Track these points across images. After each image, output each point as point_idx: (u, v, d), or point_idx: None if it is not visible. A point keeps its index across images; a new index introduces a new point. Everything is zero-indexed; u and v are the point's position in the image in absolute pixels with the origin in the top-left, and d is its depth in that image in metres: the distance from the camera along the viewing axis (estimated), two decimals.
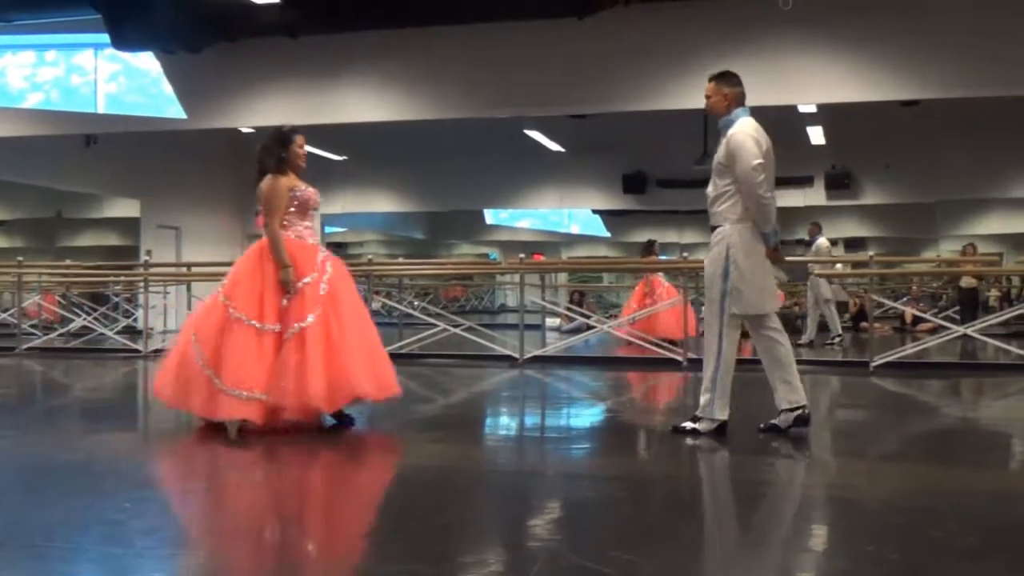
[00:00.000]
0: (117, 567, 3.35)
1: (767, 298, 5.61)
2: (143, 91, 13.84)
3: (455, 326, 11.75)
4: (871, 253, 12.56)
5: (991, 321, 11.63)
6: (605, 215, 25.18)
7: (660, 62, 11.46)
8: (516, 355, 10.47)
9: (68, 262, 16.04)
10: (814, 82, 11.40)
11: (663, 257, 17.42)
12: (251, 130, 15.41)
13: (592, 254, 27.76)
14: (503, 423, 7.32)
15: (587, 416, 7.65)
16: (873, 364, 9.70)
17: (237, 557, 3.50)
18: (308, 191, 6.05)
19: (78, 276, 14.99)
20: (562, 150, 18.70)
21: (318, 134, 14.58)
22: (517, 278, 11.84)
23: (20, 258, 13.72)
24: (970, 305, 15.29)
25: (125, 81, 14.02)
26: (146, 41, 12.34)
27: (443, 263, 22.02)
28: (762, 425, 5.58)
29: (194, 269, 13.84)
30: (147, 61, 13.50)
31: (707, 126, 12.73)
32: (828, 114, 14.68)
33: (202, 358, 5.63)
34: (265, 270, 5.82)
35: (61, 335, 13.64)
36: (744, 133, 5.45)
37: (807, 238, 13.89)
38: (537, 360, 10.50)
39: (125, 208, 18.97)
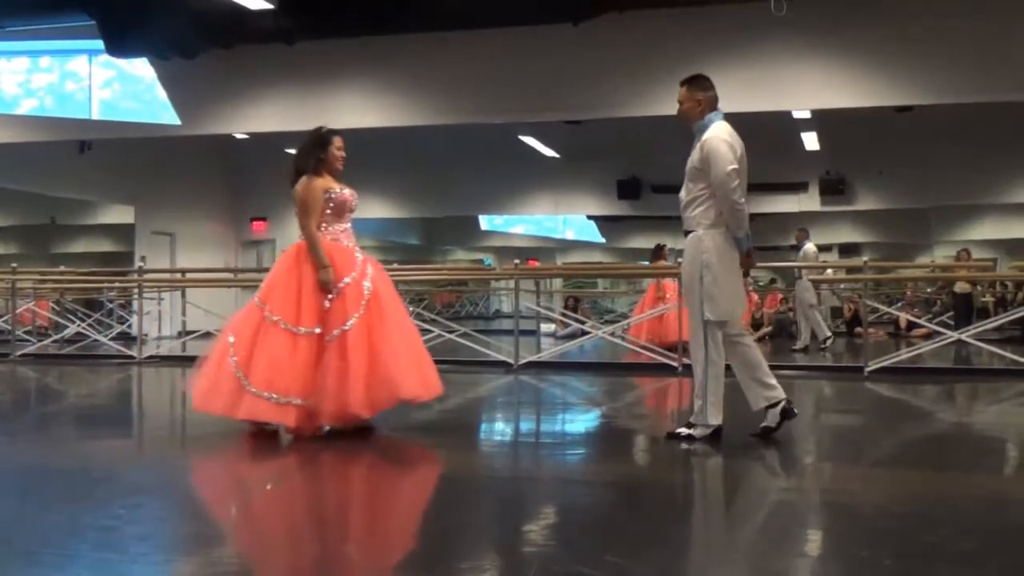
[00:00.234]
0: (111, 573, 3.34)
1: (736, 304, 5.66)
2: (137, 97, 13.84)
3: (450, 332, 11.75)
4: (865, 258, 12.58)
5: (986, 326, 11.65)
6: (600, 221, 25.21)
7: (655, 68, 11.47)
8: (511, 361, 10.47)
9: (62, 268, 16.01)
10: (808, 88, 11.43)
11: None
12: (245, 136, 15.43)
13: (587, 260, 27.76)
14: (498, 428, 7.31)
15: (582, 421, 7.64)
16: (868, 369, 9.71)
17: (228, 564, 3.49)
18: (344, 193, 6.00)
19: (72, 282, 14.97)
20: (557, 156, 18.72)
21: None
22: (512, 284, 11.85)
23: (14, 264, 13.70)
24: (964, 310, 15.31)
25: (119, 87, 14.02)
26: (140, 47, 12.34)
27: (438, 268, 22.00)
28: (756, 430, 5.58)
29: (188, 275, 13.84)
30: (141, 67, 13.50)
31: None
32: (822, 120, 14.72)
33: (235, 360, 5.60)
34: (302, 272, 5.77)
35: (55, 341, 13.62)
36: (718, 138, 5.45)
37: (795, 243, 13.93)
38: (532, 366, 10.50)
39: (119, 214, 18.94)
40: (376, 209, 21.35)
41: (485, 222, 25.96)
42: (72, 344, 13.31)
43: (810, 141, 16.43)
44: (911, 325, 15.46)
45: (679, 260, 12.30)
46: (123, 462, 5.56)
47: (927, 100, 11.62)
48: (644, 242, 23.44)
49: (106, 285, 15.76)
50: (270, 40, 11.87)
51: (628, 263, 24.44)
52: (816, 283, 13.52)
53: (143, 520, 4.09)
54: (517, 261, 11.68)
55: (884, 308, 16.82)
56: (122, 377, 10.56)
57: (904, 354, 10.51)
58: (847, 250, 24.61)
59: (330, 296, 5.69)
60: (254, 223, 20.09)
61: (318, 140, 6.04)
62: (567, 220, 26.20)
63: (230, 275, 17.07)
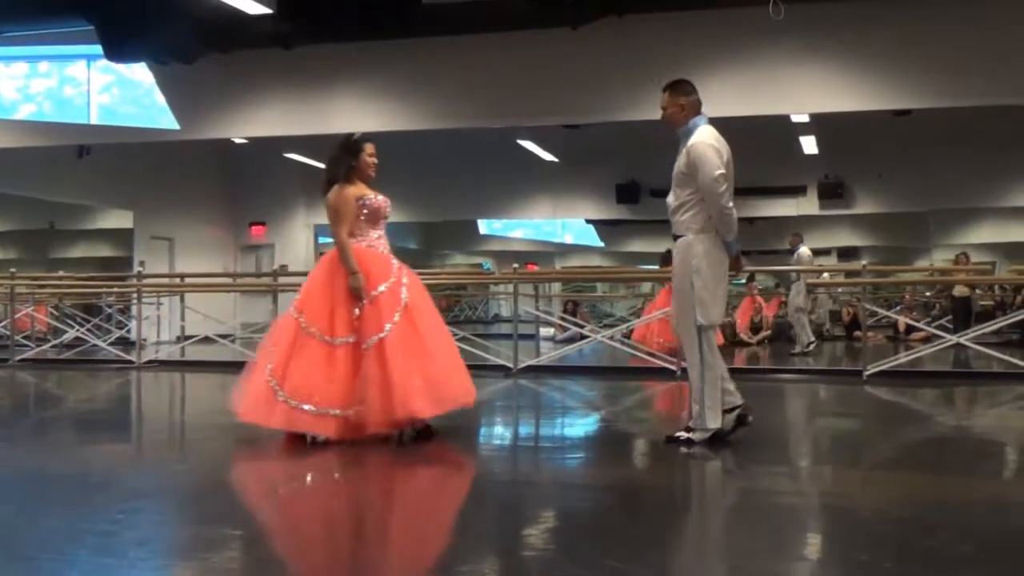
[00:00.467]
0: None
1: (722, 309, 5.75)
2: (136, 102, 13.85)
3: None
4: (864, 262, 12.60)
5: (984, 330, 11.64)
6: (599, 225, 25.18)
7: (653, 72, 11.43)
8: (510, 365, 10.46)
9: (61, 273, 16.00)
10: (807, 92, 11.43)
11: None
12: (244, 141, 15.43)
13: (586, 264, 27.74)
14: (497, 432, 7.31)
15: (581, 425, 7.64)
16: (866, 373, 9.70)
17: (226, 569, 3.48)
18: (378, 200, 5.95)
19: (70, 287, 14.95)
20: (556, 160, 18.72)
21: (310, 144, 14.59)
22: (511, 288, 11.85)
23: (13, 269, 13.70)
24: (963, 314, 15.32)
25: (118, 92, 14.03)
26: (139, 52, 12.34)
27: (437, 273, 22.01)
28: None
29: (187, 280, 13.83)
30: (140, 72, 13.51)
31: None
32: (821, 124, 14.73)
33: (270, 368, 5.57)
34: (336, 281, 5.73)
35: (54, 346, 13.61)
36: (704, 143, 5.43)
37: (789, 247, 13.94)
38: (531, 370, 10.49)
39: (118, 219, 18.94)
40: None
41: (484, 226, 25.96)
42: (71, 349, 13.31)
43: (809, 145, 16.43)
44: (910, 329, 15.46)
45: None
46: (122, 467, 5.56)
47: (926, 104, 11.62)
48: (643, 246, 23.46)
49: (105, 290, 15.75)
50: (269, 45, 11.86)
51: (627, 267, 24.43)
52: (813, 287, 13.51)
53: (142, 525, 4.08)
54: (516, 265, 11.68)
55: (883, 312, 16.88)
56: (121, 382, 10.55)
57: (903, 358, 10.51)
58: (846, 254, 24.59)
59: (361, 303, 5.64)
60: (253, 228, 20.07)
61: (349, 147, 5.98)
62: (566, 224, 26.17)
63: (229, 280, 17.05)
